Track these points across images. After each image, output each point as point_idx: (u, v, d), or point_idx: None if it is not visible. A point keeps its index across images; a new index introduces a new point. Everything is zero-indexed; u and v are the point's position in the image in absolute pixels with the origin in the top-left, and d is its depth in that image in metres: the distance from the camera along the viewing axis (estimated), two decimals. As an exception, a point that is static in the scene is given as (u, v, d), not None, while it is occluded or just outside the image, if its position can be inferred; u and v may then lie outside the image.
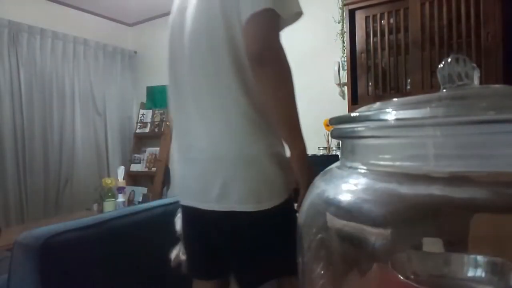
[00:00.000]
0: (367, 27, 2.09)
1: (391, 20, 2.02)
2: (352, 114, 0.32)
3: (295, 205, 0.92)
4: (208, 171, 0.90)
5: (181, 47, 0.94)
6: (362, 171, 0.32)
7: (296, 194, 0.89)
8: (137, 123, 3.66)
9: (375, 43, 2.08)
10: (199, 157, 0.92)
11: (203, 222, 0.95)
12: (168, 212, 1.36)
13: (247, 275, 0.94)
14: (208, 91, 0.90)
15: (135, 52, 3.80)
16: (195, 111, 0.92)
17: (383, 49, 2.07)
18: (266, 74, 0.81)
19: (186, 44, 0.93)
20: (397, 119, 0.28)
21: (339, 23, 2.47)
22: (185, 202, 1.00)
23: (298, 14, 0.87)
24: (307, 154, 0.87)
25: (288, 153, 0.89)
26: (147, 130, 3.56)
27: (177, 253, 1.13)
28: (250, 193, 0.86)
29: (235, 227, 0.89)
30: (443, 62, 0.32)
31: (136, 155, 3.60)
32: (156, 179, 3.37)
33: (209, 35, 0.89)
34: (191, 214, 0.99)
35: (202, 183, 0.91)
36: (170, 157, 3.51)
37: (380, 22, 2.06)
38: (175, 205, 1.43)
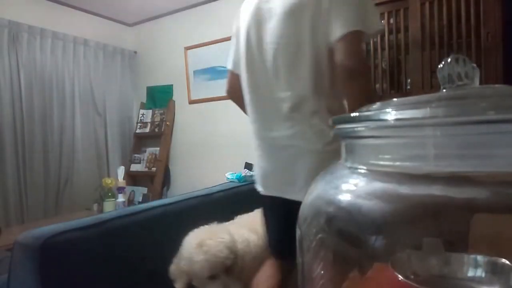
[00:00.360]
0: (367, 27, 2.09)
1: (391, 20, 2.02)
2: (352, 114, 0.32)
3: None
4: (293, 165, 1.03)
5: (261, 57, 1.07)
6: (362, 171, 0.32)
7: None
8: (137, 123, 3.66)
9: (375, 43, 2.08)
10: (283, 154, 1.05)
11: (286, 210, 1.07)
12: (168, 212, 1.36)
13: None
14: (289, 96, 1.02)
15: (135, 52, 3.80)
16: (276, 113, 1.05)
17: (383, 49, 2.06)
18: (357, 84, 0.93)
19: (268, 56, 1.05)
20: (397, 119, 0.28)
21: (339, 23, 2.47)
22: (269, 192, 1.13)
23: (380, 31, 1.03)
24: None
25: None
26: (147, 130, 3.56)
27: None
28: None
29: None
30: (443, 62, 0.32)
31: (136, 155, 3.60)
32: (156, 179, 3.37)
33: (296, 49, 1.00)
34: (275, 203, 1.11)
35: (288, 176, 1.05)
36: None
37: (380, 22, 2.06)
38: (175, 205, 1.43)
